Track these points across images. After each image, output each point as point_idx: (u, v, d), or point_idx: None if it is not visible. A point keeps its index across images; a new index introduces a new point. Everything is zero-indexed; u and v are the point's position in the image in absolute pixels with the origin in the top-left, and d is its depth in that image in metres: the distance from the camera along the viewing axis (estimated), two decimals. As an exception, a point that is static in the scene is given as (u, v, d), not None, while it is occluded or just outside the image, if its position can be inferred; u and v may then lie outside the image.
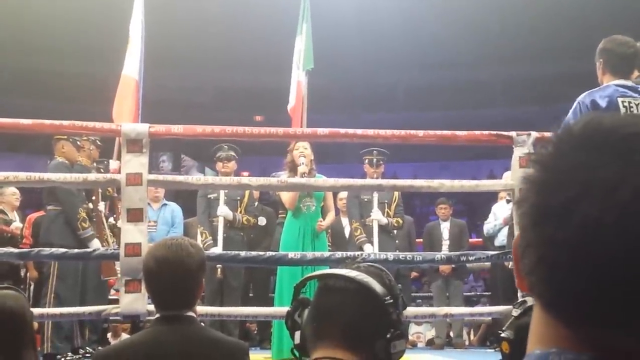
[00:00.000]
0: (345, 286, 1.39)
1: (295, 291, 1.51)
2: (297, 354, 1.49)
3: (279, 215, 6.76)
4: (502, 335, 1.97)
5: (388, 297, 1.38)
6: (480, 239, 8.00)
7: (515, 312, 2.04)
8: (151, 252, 2.11)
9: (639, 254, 0.58)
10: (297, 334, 1.49)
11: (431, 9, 16.02)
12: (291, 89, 7.38)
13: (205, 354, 1.99)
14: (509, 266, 5.63)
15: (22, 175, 4.06)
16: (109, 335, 6.67)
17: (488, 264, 7.13)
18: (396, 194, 6.77)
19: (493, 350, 7.05)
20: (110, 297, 6.06)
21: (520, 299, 2.10)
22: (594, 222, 0.58)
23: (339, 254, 4.38)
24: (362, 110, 19.43)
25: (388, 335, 1.37)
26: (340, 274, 1.40)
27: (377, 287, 1.38)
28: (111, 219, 6.12)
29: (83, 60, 16.81)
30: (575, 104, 3.68)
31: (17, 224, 6.73)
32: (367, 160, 6.67)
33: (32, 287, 6.51)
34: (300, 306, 1.48)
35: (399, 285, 1.64)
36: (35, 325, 2.06)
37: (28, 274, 6.56)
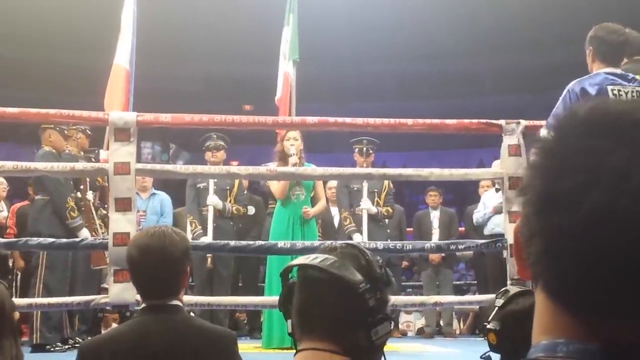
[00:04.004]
0: (319, 277, 1.37)
1: (282, 279, 1.50)
2: (293, 340, 1.49)
3: (269, 206, 6.75)
4: (488, 326, 1.96)
5: (363, 284, 1.35)
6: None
7: (499, 302, 2.02)
8: (134, 240, 2.09)
9: None
10: (289, 322, 1.48)
11: (421, -2, 15.99)
12: (278, 80, 7.35)
13: (192, 343, 1.96)
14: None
15: (9, 164, 4.02)
16: (102, 325, 6.64)
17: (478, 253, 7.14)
18: (386, 183, 6.76)
19: (482, 339, 7.07)
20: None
21: (503, 288, 2.09)
22: (604, 210, 0.57)
23: (328, 243, 4.37)
24: (351, 99, 19.39)
25: (369, 321, 1.36)
26: (312, 264, 1.38)
27: (351, 274, 1.35)
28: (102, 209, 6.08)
29: (77, 51, 16.68)
30: (564, 92, 3.68)
31: (4, 214, 6.68)
32: (357, 149, 6.65)
33: (19, 277, 6.48)
34: (289, 293, 1.47)
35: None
36: (17, 315, 2.01)
37: (14, 264, 6.52)
